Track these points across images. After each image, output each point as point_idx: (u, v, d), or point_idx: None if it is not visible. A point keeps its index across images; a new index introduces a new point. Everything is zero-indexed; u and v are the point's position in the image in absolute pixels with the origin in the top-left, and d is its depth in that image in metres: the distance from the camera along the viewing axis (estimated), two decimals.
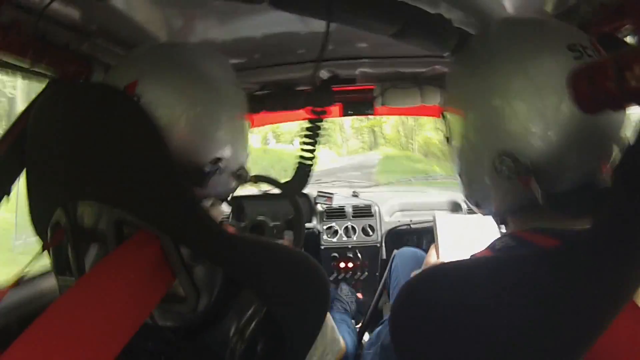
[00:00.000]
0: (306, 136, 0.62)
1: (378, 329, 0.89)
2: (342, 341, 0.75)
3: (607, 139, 0.47)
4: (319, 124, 0.62)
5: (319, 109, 0.62)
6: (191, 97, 0.55)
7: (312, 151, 0.62)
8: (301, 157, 0.62)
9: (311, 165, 0.62)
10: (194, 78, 0.56)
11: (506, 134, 0.48)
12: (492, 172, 0.50)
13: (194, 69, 0.57)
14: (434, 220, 1.01)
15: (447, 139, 0.60)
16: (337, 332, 0.74)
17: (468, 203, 0.62)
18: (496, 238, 0.53)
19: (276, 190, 1.31)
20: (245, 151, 0.66)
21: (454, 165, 0.60)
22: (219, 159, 0.58)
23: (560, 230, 0.47)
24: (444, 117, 0.60)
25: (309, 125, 0.62)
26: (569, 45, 0.46)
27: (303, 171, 0.62)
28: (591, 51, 0.47)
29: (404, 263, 1.15)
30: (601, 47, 0.52)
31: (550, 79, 0.46)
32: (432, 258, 0.91)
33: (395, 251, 1.29)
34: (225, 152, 0.59)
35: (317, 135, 0.62)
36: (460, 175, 0.59)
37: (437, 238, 0.97)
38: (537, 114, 0.46)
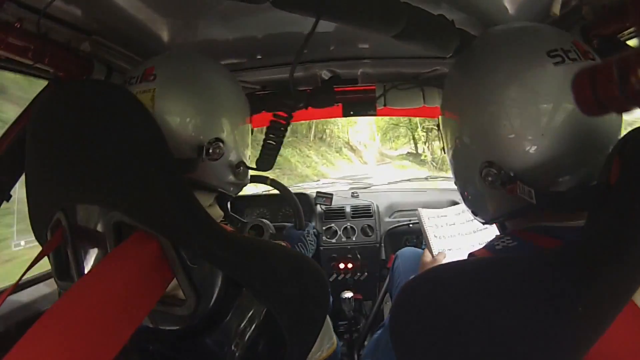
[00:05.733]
0: (270, 131, 0.83)
1: (376, 334, 0.87)
2: (334, 338, 0.75)
3: (595, 139, 0.47)
4: (282, 124, 0.83)
5: (280, 115, 0.85)
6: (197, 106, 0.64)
7: (277, 141, 0.84)
8: (266, 142, 0.83)
9: (277, 148, 0.82)
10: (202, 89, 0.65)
11: (490, 145, 0.49)
12: (481, 181, 0.51)
13: (203, 80, 0.66)
14: (418, 216, 1.00)
15: (443, 150, 0.63)
16: (330, 328, 0.74)
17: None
18: (494, 237, 0.53)
19: (275, 191, 1.31)
20: (246, 149, 0.73)
21: (452, 175, 0.63)
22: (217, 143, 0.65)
23: (559, 229, 0.47)
24: (439, 128, 0.63)
25: (274, 123, 0.82)
26: (548, 51, 0.46)
27: (268, 151, 0.81)
28: (574, 54, 0.47)
29: (405, 264, 1.14)
30: (603, 49, 0.52)
31: (530, 87, 0.46)
32: (427, 257, 0.90)
33: (396, 253, 1.28)
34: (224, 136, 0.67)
35: (280, 131, 0.83)
36: (456, 184, 0.62)
37: (425, 233, 0.96)
38: (516, 123, 0.47)
